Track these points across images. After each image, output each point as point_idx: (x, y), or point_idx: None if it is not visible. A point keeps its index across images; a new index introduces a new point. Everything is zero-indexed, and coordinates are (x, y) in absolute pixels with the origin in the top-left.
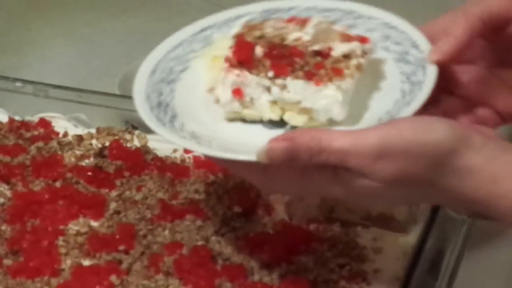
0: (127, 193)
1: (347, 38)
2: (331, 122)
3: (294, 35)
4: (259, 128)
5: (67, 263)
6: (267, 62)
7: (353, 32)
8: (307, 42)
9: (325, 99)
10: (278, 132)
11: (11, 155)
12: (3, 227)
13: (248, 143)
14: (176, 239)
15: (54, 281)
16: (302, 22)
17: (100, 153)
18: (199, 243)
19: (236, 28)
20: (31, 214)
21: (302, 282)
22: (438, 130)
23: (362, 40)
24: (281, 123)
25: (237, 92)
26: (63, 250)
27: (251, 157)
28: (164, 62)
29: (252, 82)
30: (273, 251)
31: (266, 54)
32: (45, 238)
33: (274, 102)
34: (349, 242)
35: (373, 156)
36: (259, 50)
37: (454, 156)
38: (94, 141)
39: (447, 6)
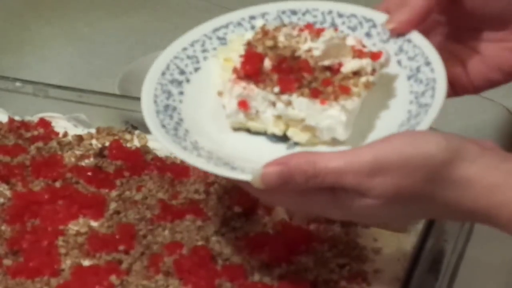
0: (127, 193)
1: (358, 54)
2: (335, 141)
3: (306, 46)
4: (262, 140)
5: (67, 263)
6: (275, 77)
7: (368, 42)
8: (318, 57)
9: (329, 119)
10: (281, 146)
11: (11, 155)
12: (3, 227)
13: (249, 157)
14: (176, 239)
15: (54, 281)
16: (317, 33)
17: (100, 153)
18: (199, 243)
19: (250, 33)
20: (31, 214)
21: (302, 282)
22: (431, 143)
23: (374, 56)
24: (284, 137)
25: (243, 104)
26: (63, 250)
27: (247, 177)
28: (176, 61)
29: (258, 96)
30: (273, 251)
31: (275, 68)
32: (45, 238)
33: (278, 117)
34: (349, 242)
35: (367, 172)
36: (267, 63)
37: (449, 168)
38: (94, 141)
39: None
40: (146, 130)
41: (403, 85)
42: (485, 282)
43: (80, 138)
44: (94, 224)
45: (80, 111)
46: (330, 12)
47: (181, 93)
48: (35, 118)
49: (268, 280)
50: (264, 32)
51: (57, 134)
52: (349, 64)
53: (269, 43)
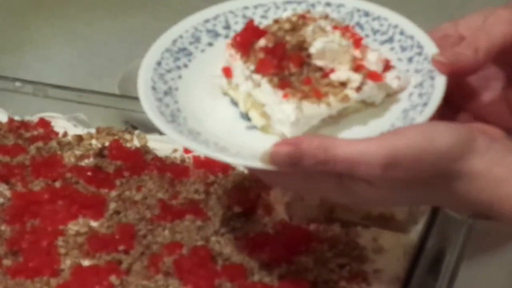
0: (127, 193)
1: (357, 67)
2: (284, 136)
3: (315, 44)
4: (257, 133)
5: (66, 264)
6: (260, 55)
7: (387, 46)
8: (313, 54)
9: (281, 113)
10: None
11: (11, 155)
12: (3, 227)
13: (250, 147)
14: (176, 239)
15: (53, 282)
16: (350, 36)
17: (99, 153)
18: (199, 243)
19: (287, 12)
20: (30, 214)
21: (302, 282)
22: (444, 137)
23: (372, 76)
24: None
25: (227, 71)
26: (62, 250)
27: (253, 163)
28: (179, 42)
29: (238, 67)
30: (273, 251)
31: (265, 48)
32: (44, 238)
33: (248, 95)
34: (349, 242)
35: (381, 165)
36: (261, 42)
37: (460, 162)
38: (93, 141)
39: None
40: (146, 130)
41: (394, 115)
42: (485, 282)
43: (80, 138)
44: (94, 224)
45: (80, 111)
46: (396, 26)
47: (180, 77)
48: (35, 118)
49: (268, 280)
50: (300, 16)
51: (57, 134)
52: (339, 73)
53: (287, 26)
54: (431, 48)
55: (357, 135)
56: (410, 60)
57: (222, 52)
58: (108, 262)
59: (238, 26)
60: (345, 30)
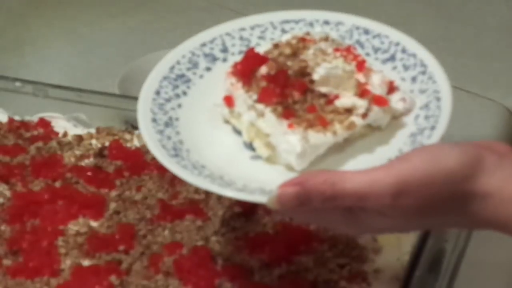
0: (127, 193)
1: (362, 92)
2: (291, 167)
3: (316, 67)
4: (262, 164)
5: (66, 263)
6: (262, 84)
7: (389, 65)
8: (316, 81)
9: (286, 144)
10: (276, 173)
11: (11, 155)
12: (3, 227)
13: (256, 179)
14: (176, 239)
15: (53, 281)
16: (352, 59)
17: (99, 153)
18: (199, 243)
19: (286, 35)
20: (30, 214)
21: (302, 282)
22: (450, 158)
23: (378, 101)
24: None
25: (228, 100)
26: (62, 250)
27: (263, 199)
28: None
29: (240, 96)
30: (273, 251)
31: (267, 76)
32: (44, 238)
33: (252, 124)
34: (349, 242)
35: (391, 195)
36: (263, 69)
37: (470, 183)
38: (93, 141)
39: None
40: None
41: (401, 140)
42: (485, 282)
43: (80, 138)
44: (94, 224)
45: (80, 111)
46: (397, 44)
47: (180, 106)
48: (35, 118)
49: (268, 280)
50: (300, 39)
51: (57, 134)
52: (344, 99)
53: (287, 51)
54: (434, 67)
55: (365, 163)
56: (414, 79)
57: (221, 77)
58: (108, 262)
59: (235, 48)
60: (347, 52)
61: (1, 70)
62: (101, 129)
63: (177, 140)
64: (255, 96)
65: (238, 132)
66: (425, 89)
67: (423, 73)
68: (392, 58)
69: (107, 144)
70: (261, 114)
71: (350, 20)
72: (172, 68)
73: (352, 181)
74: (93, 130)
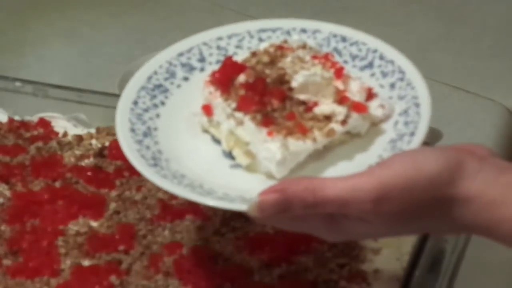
0: (127, 193)
1: (341, 99)
2: (272, 175)
3: (294, 74)
4: (242, 172)
5: (66, 263)
6: (240, 92)
7: (367, 72)
8: (295, 88)
9: (266, 152)
10: (256, 181)
11: (11, 155)
12: (3, 227)
13: (236, 188)
14: (176, 239)
15: (53, 281)
16: (330, 66)
17: (99, 153)
18: (199, 243)
19: (264, 43)
20: (30, 214)
21: (302, 282)
22: (431, 163)
23: (357, 107)
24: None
25: (207, 109)
26: (62, 250)
27: (241, 207)
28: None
29: (218, 105)
30: (273, 251)
31: (246, 84)
32: (44, 238)
33: (231, 133)
34: (349, 242)
35: (372, 201)
36: (241, 78)
37: (451, 187)
38: (93, 141)
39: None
40: None
41: (381, 146)
42: (485, 282)
43: (80, 138)
44: (94, 224)
45: (79, 111)
46: (375, 51)
47: (158, 115)
48: (34, 118)
49: (268, 280)
50: (278, 47)
51: (56, 134)
52: (323, 106)
53: (265, 59)
54: (413, 73)
55: (345, 170)
56: (392, 86)
57: (199, 87)
58: (108, 262)
59: (212, 58)
60: (325, 59)
61: (1, 70)
62: (101, 129)
63: (156, 150)
64: (234, 105)
65: (217, 141)
66: (403, 95)
67: (401, 79)
68: (370, 65)
69: (107, 144)
70: (240, 123)
71: (327, 28)
72: (149, 78)
73: (333, 188)
74: (93, 130)
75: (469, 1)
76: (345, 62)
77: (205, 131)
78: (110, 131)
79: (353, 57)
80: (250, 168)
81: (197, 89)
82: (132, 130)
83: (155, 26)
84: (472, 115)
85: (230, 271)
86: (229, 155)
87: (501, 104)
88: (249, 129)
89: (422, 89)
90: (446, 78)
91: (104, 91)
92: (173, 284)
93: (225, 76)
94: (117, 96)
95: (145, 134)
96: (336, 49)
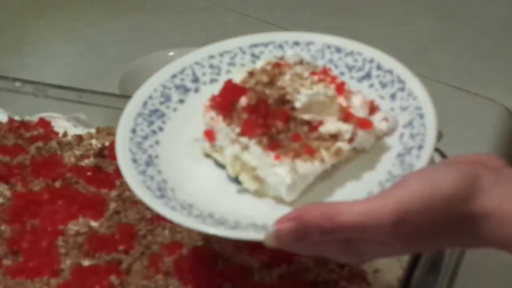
0: (127, 193)
1: (345, 116)
2: (282, 199)
3: (296, 94)
4: (250, 197)
5: (66, 263)
6: (243, 116)
7: (365, 83)
8: (298, 109)
9: (275, 176)
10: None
11: (11, 155)
12: (3, 227)
13: (246, 215)
14: (176, 239)
15: (53, 281)
16: (329, 81)
17: (99, 153)
18: (199, 243)
19: (260, 61)
20: (30, 214)
21: (302, 282)
22: (448, 182)
23: (362, 124)
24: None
25: (209, 135)
26: (62, 250)
27: (256, 235)
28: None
29: (222, 130)
30: (273, 251)
31: (248, 107)
32: (44, 238)
33: (236, 158)
34: None
35: (390, 224)
36: (243, 101)
37: (469, 204)
38: (93, 141)
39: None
40: None
41: (389, 161)
42: (485, 282)
43: (80, 138)
44: (94, 224)
45: (79, 111)
46: (371, 60)
47: (157, 142)
48: (34, 118)
49: (268, 280)
50: (275, 64)
51: (56, 134)
52: (328, 125)
53: (264, 78)
54: (413, 82)
55: (355, 189)
56: (393, 97)
57: (195, 109)
58: (108, 262)
59: (206, 77)
60: (324, 75)
61: (1, 70)
62: (101, 129)
63: (161, 180)
64: (237, 129)
65: (220, 165)
66: (406, 106)
67: (402, 89)
68: (368, 75)
69: (107, 144)
70: (245, 147)
71: (320, 39)
72: (145, 103)
73: (350, 213)
74: (93, 130)
75: (469, 1)
76: (342, 73)
77: (207, 156)
78: (110, 131)
79: (350, 68)
80: (258, 193)
81: (193, 112)
82: (134, 160)
83: (155, 26)
84: (472, 115)
85: (230, 271)
86: (235, 179)
87: (501, 104)
88: (255, 154)
89: (424, 99)
90: (446, 78)
91: (104, 91)
92: (173, 284)
93: (226, 100)
94: (117, 96)
95: (147, 164)
96: (331, 61)
